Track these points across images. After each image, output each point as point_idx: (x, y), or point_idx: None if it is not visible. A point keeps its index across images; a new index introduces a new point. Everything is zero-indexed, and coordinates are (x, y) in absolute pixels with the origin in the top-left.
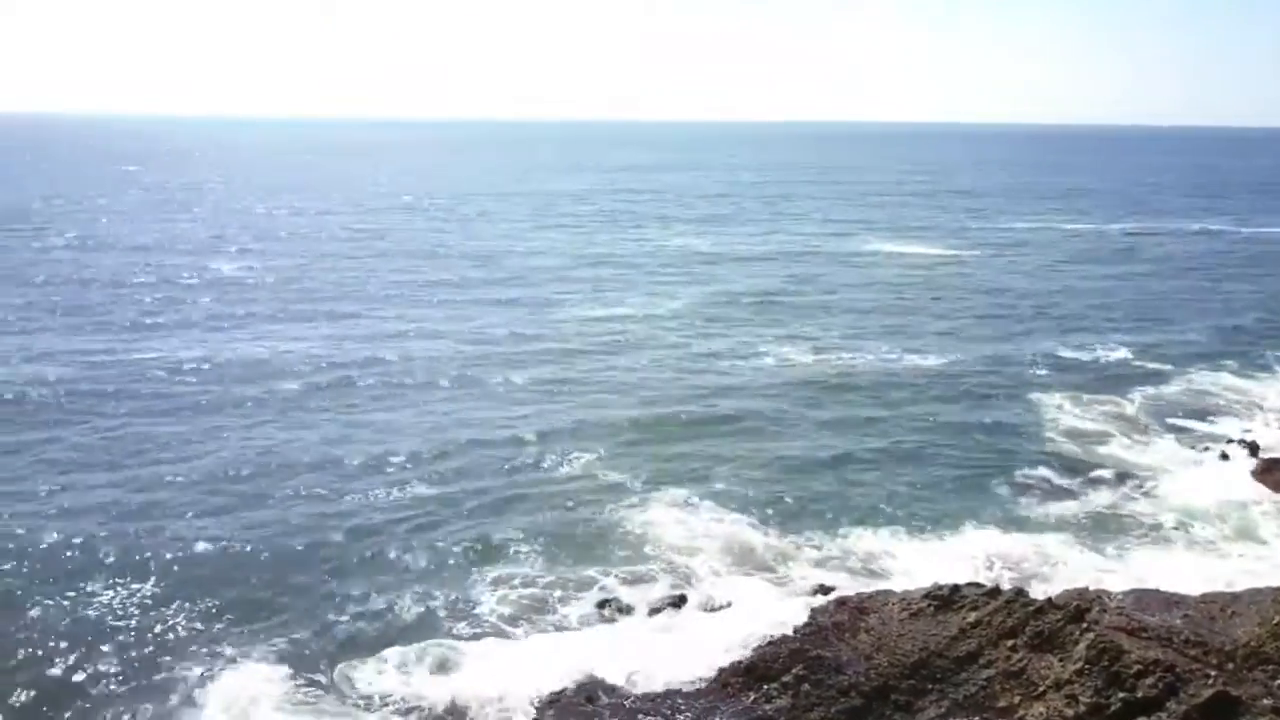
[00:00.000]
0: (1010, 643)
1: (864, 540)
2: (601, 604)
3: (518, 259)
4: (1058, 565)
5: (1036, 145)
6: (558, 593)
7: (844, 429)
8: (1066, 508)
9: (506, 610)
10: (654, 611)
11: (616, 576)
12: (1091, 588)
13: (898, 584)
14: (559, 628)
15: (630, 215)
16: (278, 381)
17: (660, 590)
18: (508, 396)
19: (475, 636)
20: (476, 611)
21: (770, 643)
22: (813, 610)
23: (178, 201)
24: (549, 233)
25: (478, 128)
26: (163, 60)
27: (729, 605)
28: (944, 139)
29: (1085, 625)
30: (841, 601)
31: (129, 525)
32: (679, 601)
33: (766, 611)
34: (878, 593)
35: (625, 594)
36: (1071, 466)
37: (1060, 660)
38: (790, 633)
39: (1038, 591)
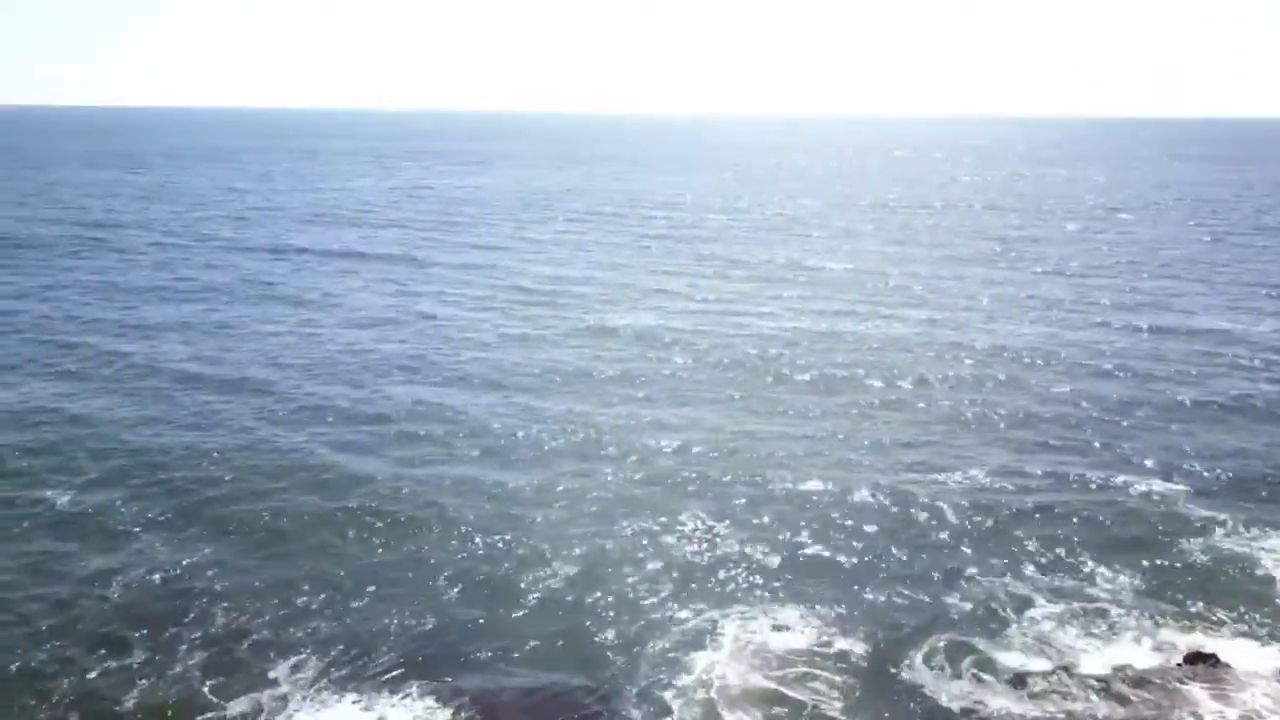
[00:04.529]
0: None
1: None
2: (1190, 659)
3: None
4: None
5: None
6: (1130, 623)
7: None
8: None
9: (1058, 627)
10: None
11: (1211, 629)
12: None
13: None
14: (1118, 665)
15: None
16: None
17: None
18: (1070, 412)
19: (1009, 644)
20: (1027, 620)
21: None
22: None
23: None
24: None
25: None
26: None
27: None
28: None
29: None
30: None
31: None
32: None
33: None
34: None
35: (1227, 651)
36: None
37: None
38: None
39: None
